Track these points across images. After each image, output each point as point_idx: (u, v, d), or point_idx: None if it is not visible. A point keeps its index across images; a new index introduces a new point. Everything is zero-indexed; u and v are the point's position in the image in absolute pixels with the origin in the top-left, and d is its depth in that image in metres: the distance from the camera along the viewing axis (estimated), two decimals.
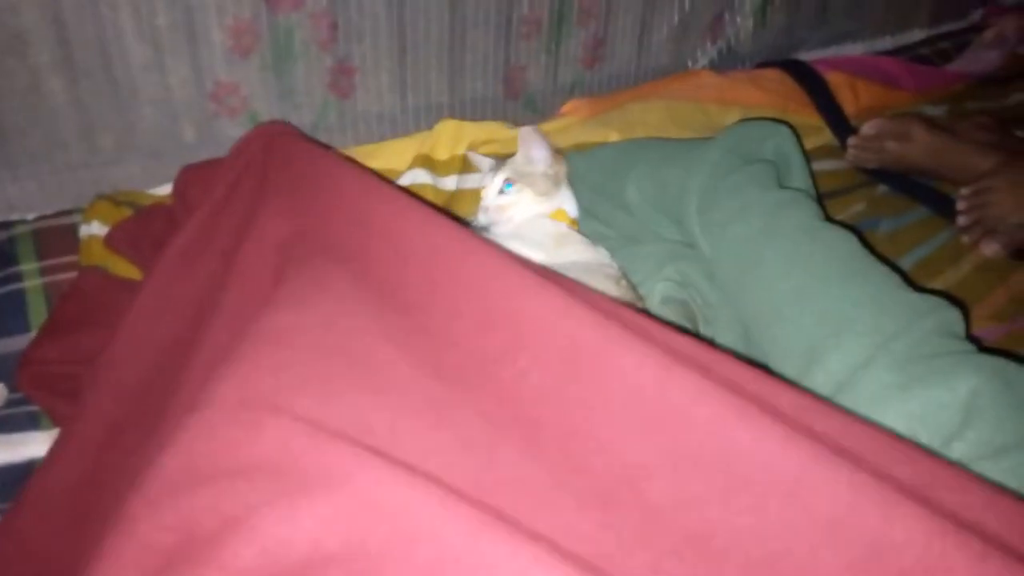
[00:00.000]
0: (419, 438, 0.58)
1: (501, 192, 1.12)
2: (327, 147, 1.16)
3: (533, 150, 1.12)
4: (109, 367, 0.85)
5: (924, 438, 0.67)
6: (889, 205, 1.42)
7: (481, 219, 1.14)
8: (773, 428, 0.52)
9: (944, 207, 1.38)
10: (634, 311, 0.68)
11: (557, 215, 1.13)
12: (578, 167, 1.27)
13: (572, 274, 0.98)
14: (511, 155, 1.18)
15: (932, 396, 0.68)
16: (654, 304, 1.05)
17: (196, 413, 0.59)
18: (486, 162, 1.21)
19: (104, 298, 1.00)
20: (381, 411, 0.59)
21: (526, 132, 1.11)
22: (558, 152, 1.16)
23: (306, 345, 0.63)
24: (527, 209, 1.12)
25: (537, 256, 1.04)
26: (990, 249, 1.30)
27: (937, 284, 1.27)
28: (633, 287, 1.02)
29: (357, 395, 0.60)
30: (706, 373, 0.56)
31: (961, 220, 1.33)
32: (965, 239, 1.33)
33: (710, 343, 0.79)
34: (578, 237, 1.12)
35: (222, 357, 0.64)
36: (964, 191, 1.33)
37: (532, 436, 0.59)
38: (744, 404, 0.53)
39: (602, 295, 0.71)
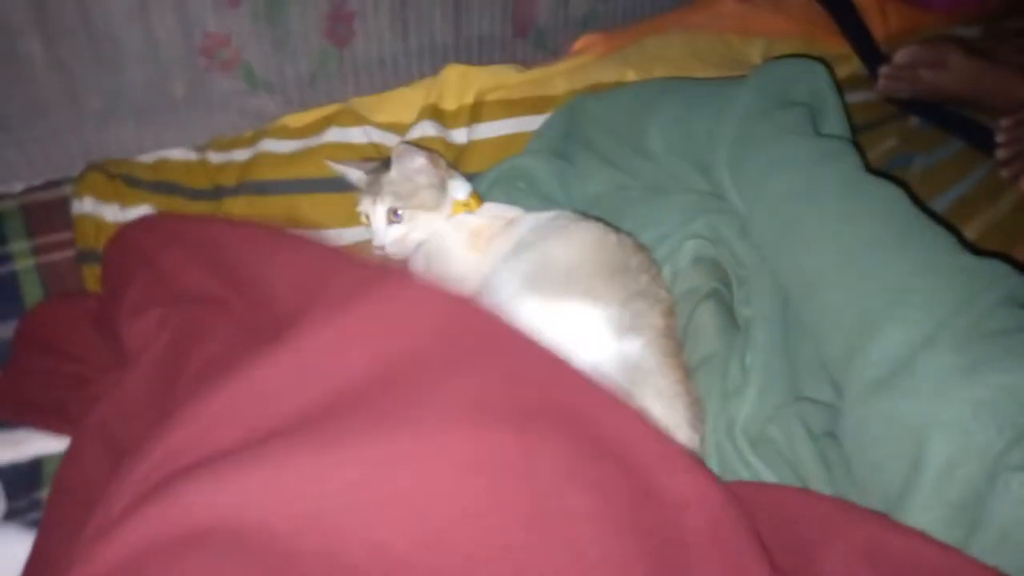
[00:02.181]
0: None
1: (391, 224, 1.00)
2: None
3: (410, 166, 1.01)
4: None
5: (994, 430, 0.62)
6: (922, 139, 1.35)
7: (379, 256, 1.03)
8: None
9: (982, 139, 1.30)
10: None
11: (456, 209, 1.04)
12: (595, 111, 1.20)
13: (538, 241, 0.94)
14: (377, 161, 1.08)
15: (1004, 382, 0.63)
16: (683, 264, 0.99)
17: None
18: (353, 173, 1.07)
19: (70, 325, 0.94)
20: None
21: (399, 150, 0.99)
22: (433, 153, 1.05)
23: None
24: (426, 228, 1.02)
25: (468, 262, 0.99)
26: None
27: (974, 224, 1.21)
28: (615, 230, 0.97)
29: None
30: None
31: (1000, 153, 1.26)
32: (1004, 173, 1.26)
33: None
34: (493, 214, 1.05)
35: None
36: (1004, 121, 1.26)
37: None
38: None
39: None
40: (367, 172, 1.05)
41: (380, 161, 1.08)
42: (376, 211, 1.00)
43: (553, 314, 0.85)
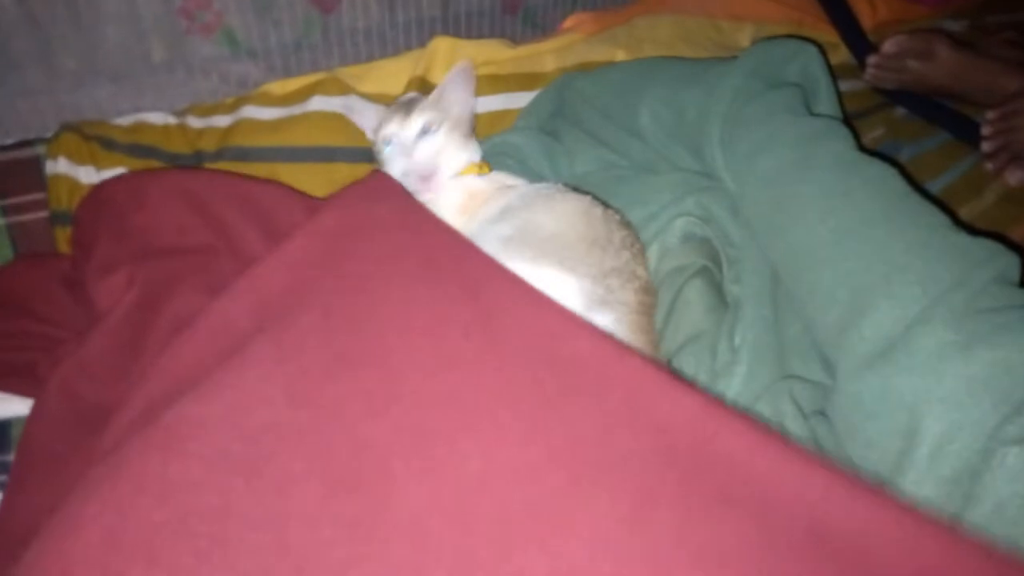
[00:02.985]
0: None
1: (423, 136, 0.97)
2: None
3: (464, 89, 1.00)
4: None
5: (989, 405, 0.61)
6: (909, 129, 1.35)
7: (397, 173, 0.97)
8: None
9: (967, 131, 1.31)
10: None
11: (468, 170, 1.02)
12: (585, 89, 1.18)
13: (524, 207, 0.92)
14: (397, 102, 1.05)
15: (998, 357, 0.62)
16: (673, 241, 0.98)
17: (54, 542, 0.49)
18: (367, 114, 1.07)
19: (40, 286, 0.90)
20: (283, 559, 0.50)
21: (463, 68, 0.99)
22: None
23: (203, 455, 0.53)
24: (454, 161, 1.00)
25: (454, 224, 0.94)
26: (1015, 178, 1.24)
27: (959, 215, 1.21)
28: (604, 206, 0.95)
29: (253, 532, 0.50)
30: None
31: (985, 146, 1.26)
32: (989, 166, 1.27)
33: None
34: (498, 180, 1.02)
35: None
36: (990, 114, 1.26)
37: None
38: None
39: None
40: (386, 109, 1.04)
41: (402, 100, 1.07)
42: (409, 123, 0.98)
43: (526, 278, 0.84)
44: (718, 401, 0.57)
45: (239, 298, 0.61)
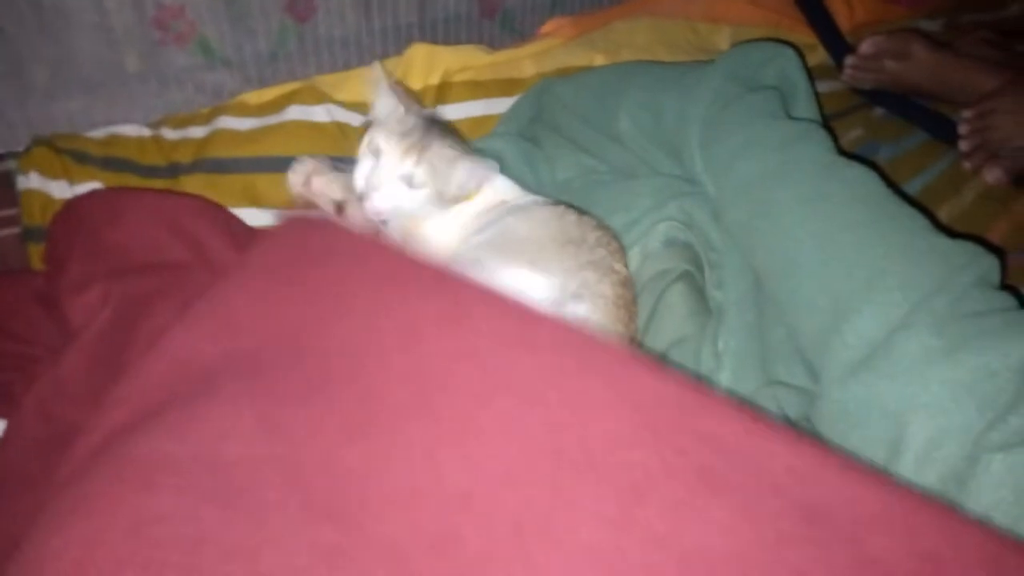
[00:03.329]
0: None
1: (404, 187, 0.90)
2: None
3: (464, 178, 0.93)
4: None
5: (973, 410, 0.61)
6: (888, 129, 1.36)
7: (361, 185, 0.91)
8: None
9: (944, 131, 1.31)
10: None
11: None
12: (564, 94, 1.18)
13: (502, 217, 0.91)
14: (422, 109, 0.98)
15: (981, 363, 0.62)
16: (654, 246, 0.98)
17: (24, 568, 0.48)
18: (387, 99, 0.95)
19: (13, 304, 0.88)
20: None
21: (469, 164, 0.92)
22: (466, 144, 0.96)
23: (174, 487, 0.51)
24: (431, 216, 0.94)
25: (444, 247, 0.93)
26: (993, 176, 1.25)
27: (938, 214, 1.21)
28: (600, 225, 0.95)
29: (227, 563, 0.48)
30: None
31: (963, 145, 1.27)
32: (967, 165, 1.28)
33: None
34: (489, 201, 0.96)
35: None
36: (966, 113, 1.26)
37: None
38: None
39: None
40: (407, 110, 0.94)
41: (428, 112, 0.99)
42: (396, 162, 0.90)
43: (497, 280, 0.83)
44: (700, 383, 0.57)
45: (202, 324, 0.60)
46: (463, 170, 0.93)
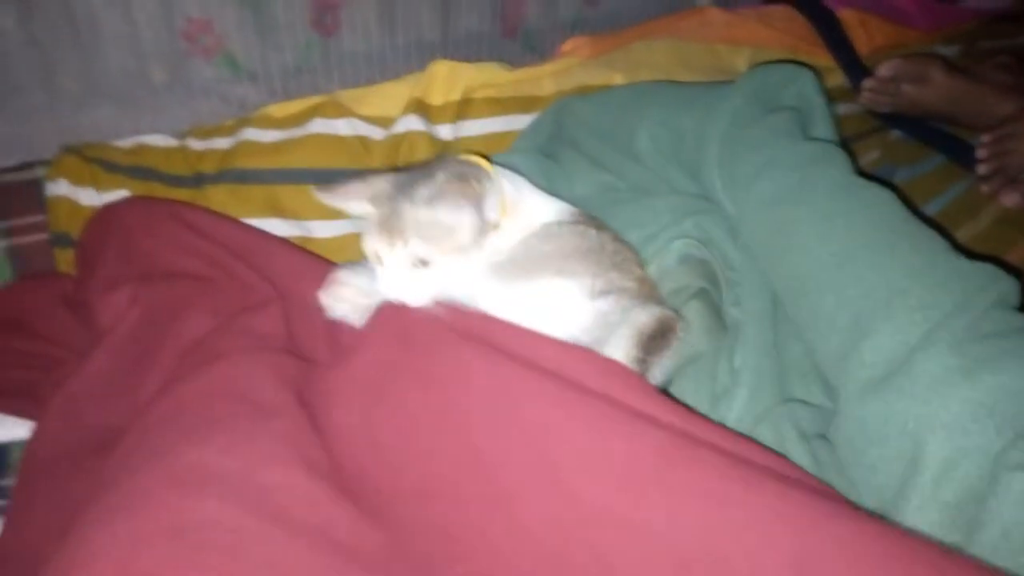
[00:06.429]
0: None
1: (415, 269, 0.77)
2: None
3: (449, 220, 0.78)
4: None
5: (993, 431, 0.61)
6: (904, 152, 1.36)
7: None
8: None
9: (962, 154, 1.32)
10: None
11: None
12: (583, 112, 1.19)
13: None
14: (387, 174, 0.82)
15: (1001, 382, 0.62)
16: (671, 263, 0.98)
17: (67, 571, 0.49)
18: (354, 200, 0.81)
19: (41, 306, 0.89)
20: None
21: (440, 187, 0.78)
22: (473, 169, 0.84)
23: (218, 496, 0.53)
24: (460, 271, 0.81)
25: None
26: (1010, 200, 1.25)
27: (956, 239, 1.21)
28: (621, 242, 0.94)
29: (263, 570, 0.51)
30: None
31: (981, 168, 1.27)
32: (984, 189, 1.28)
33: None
34: (519, 226, 0.89)
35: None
36: (985, 137, 1.27)
37: None
38: None
39: None
40: (373, 195, 0.81)
41: (392, 175, 0.84)
42: (395, 256, 0.77)
43: (527, 292, 0.83)
44: None
45: (279, 371, 0.62)
46: (445, 211, 0.78)
